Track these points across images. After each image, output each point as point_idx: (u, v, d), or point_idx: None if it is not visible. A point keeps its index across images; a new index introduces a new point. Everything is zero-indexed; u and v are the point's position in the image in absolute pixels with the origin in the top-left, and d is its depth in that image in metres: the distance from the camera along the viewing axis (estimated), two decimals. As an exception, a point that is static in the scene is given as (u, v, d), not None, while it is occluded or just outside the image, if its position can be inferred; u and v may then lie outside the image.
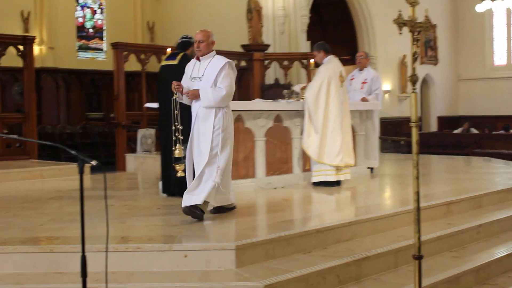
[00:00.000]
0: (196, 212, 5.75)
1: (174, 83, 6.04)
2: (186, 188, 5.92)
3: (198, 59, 6.09)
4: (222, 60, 5.98)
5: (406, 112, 18.86)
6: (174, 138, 5.99)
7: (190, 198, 5.76)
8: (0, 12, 17.05)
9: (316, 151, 8.23)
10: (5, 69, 13.78)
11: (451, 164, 12.31)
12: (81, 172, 3.78)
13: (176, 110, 6.00)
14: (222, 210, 6.20)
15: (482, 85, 21.92)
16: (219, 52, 6.14)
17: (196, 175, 5.86)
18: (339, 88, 8.33)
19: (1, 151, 10.95)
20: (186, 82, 6.14)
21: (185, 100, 6.12)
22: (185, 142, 6.07)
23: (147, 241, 4.99)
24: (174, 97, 6.06)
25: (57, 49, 18.60)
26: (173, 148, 6.02)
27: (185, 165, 6.11)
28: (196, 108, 5.98)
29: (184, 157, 6.09)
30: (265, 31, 14.68)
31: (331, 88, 8.25)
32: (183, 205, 5.76)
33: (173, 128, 5.99)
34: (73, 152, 3.83)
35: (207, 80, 5.92)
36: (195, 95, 5.92)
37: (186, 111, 6.18)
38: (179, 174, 6.10)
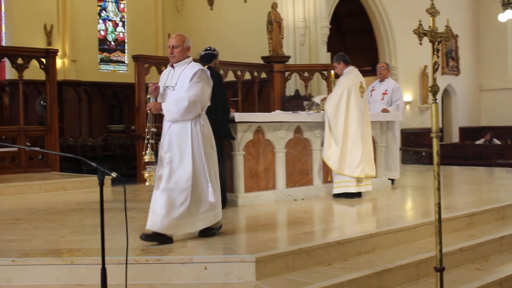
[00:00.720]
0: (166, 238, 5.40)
1: (150, 83, 5.65)
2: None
3: (172, 66, 5.62)
4: (196, 67, 5.51)
5: (428, 123, 18.67)
6: (145, 141, 5.57)
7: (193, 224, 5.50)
8: (23, 26, 17.27)
9: (336, 162, 8.20)
10: (28, 82, 13.91)
11: (473, 175, 12.21)
12: (101, 184, 3.81)
13: (149, 111, 5.52)
14: (210, 234, 5.65)
15: (504, 95, 21.71)
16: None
17: (172, 195, 5.39)
18: (359, 99, 8.31)
19: (24, 163, 11.06)
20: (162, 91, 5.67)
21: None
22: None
23: (167, 253, 4.99)
24: (148, 96, 5.66)
25: (79, 62, 18.77)
26: (143, 153, 5.57)
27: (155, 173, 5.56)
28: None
29: (154, 163, 5.58)
30: (285, 42, 14.69)
31: (351, 99, 8.24)
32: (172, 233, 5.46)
33: (146, 129, 5.54)
34: (93, 164, 3.86)
35: (180, 89, 5.44)
36: (157, 109, 5.49)
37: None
38: (148, 183, 5.52)
